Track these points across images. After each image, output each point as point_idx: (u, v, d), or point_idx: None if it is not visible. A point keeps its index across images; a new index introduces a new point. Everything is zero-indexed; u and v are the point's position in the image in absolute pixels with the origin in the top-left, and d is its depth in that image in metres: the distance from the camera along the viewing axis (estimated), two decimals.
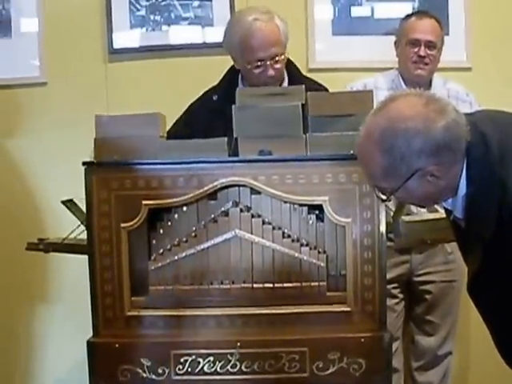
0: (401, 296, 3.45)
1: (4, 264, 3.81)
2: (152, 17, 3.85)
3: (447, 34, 3.51)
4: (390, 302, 3.13)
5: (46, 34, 3.86)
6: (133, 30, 3.86)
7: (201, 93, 3.24)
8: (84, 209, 2.50)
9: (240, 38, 3.04)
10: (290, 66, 3.17)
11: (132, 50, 3.87)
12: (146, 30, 3.86)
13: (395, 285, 3.37)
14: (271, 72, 3.03)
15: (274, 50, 3.02)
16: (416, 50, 3.30)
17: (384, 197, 2.03)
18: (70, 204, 2.60)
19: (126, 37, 3.86)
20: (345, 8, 3.80)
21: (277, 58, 3.03)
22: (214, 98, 3.17)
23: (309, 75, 3.34)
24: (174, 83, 3.78)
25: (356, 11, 3.82)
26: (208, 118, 3.03)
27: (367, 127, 1.98)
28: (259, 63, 3.03)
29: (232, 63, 3.18)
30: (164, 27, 3.86)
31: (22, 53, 3.88)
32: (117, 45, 3.86)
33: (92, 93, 3.82)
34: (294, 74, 3.17)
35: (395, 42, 3.41)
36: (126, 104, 3.51)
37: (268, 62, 3.02)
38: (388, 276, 2.54)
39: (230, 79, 3.20)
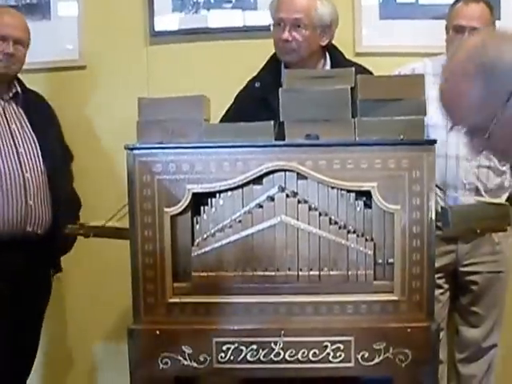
0: (446, 286, 3.38)
1: None
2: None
3: (498, 19, 3.41)
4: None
5: (86, 17, 3.86)
6: (174, 13, 3.82)
7: (246, 81, 3.24)
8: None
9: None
10: (334, 51, 3.18)
11: (174, 33, 3.84)
12: (188, 12, 3.81)
13: (440, 274, 3.30)
14: (286, 34, 3.04)
15: (296, 14, 3.04)
16: (460, 36, 3.20)
17: (480, 146, 1.85)
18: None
19: (168, 19, 3.83)
20: None
21: (298, 25, 3.04)
22: (257, 85, 3.19)
23: (356, 60, 3.29)
24: (215, 66, 3.74)
25: None
26: (252, 106, 3.02)
27: (447, 71, 1.85)
28: (279, 24, 3.05)
29: (262, 51, 3.21)
30: (204, 11, 3.81)
31: (61, 36, 3.88)
32: (158, 27, 3.82)
33: (132, 76, 3.80)
34: (338, 59, 3.17)
35: (446, 27, 3.32)
36: (167, 87, 3.51)
37: (287, 26, 3.04)
38: None
39: (272, 66, 3.20)
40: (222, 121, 2.93)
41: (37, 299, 3.36)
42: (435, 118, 3.11)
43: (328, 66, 3.11)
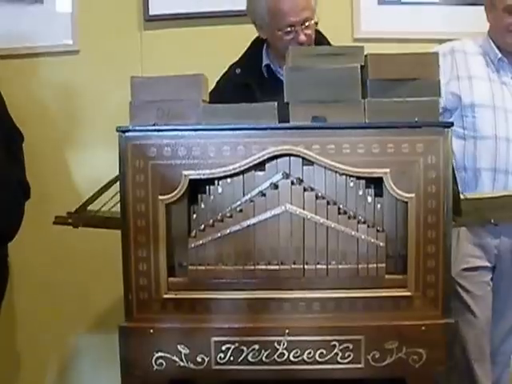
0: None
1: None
2: None
3: None
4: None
5: (79, 1, 3.79)
6: None
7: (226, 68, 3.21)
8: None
9: (267, 3, 2.98)
10: (319, 37, 3.11)
11: (168, 17, 3.76)
12: None
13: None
14: (302, 37, 2.97)
15: (304, 14, 2.96)
16: None
17: None
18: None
19: (163, 4, 3.76)
20: None
21: (307, 23, 2.97)
22: (237, 71, 3.14)
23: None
24: (211, 52, 3.66)
25: None
26: (233, 92, 2.96)
27: None
28: (289, 29, 2.97)
29: (255, 35, 3.15)
30: None
31: (54, 20, 3.81)
32: (153, 11, 3.76)
33: (126, 61, 3.73)
34: (323, 44, 3.08)
35: (485, 7, 3.12)
36: (162, 73, 3.42)
37: (299, 28, 2.96)
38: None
39: (253, 52, 3.17)
40: None
41: None
42: (482, 97, 3.01)
43: None
